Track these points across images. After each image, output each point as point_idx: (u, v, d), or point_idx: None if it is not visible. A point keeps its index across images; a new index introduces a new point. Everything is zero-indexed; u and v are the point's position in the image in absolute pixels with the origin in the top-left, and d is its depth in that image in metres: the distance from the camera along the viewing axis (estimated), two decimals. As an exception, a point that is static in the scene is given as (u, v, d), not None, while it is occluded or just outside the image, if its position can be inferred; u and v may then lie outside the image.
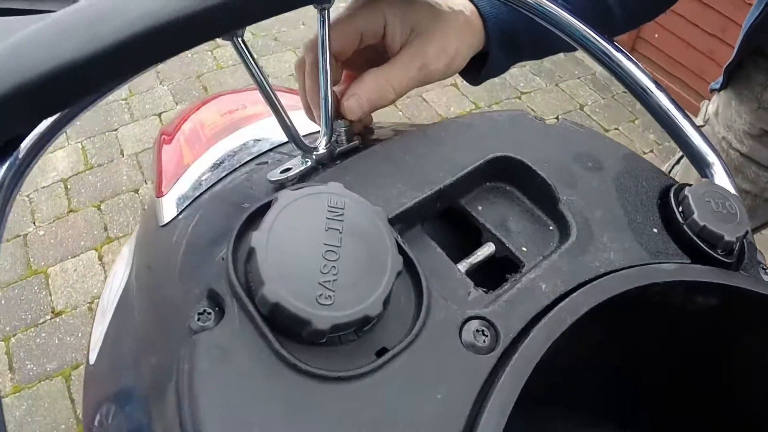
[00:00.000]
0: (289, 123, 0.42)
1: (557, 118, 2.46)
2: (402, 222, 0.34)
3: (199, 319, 0.28)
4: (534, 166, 0.37)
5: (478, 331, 0.30)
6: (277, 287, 0.26)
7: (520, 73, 2.97)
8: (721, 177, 0.46)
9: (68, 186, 2.20)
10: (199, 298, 0.30)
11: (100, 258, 1.97)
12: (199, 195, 0.53)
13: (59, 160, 2.30)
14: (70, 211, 2.12)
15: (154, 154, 0.69)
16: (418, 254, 0.34)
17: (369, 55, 0.48)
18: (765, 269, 0.40)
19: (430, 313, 0.30)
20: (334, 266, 0.27)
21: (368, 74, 0.45)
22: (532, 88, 2.88)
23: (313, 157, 0.43)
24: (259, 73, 0.39)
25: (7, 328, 1.77)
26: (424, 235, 0.35)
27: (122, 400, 0.46)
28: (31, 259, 1.96)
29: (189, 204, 0.52)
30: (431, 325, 0.30)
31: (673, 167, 1.04)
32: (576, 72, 3.02)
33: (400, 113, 2.58)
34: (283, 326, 0.28)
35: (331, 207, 0.28)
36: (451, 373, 0.28)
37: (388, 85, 0.44)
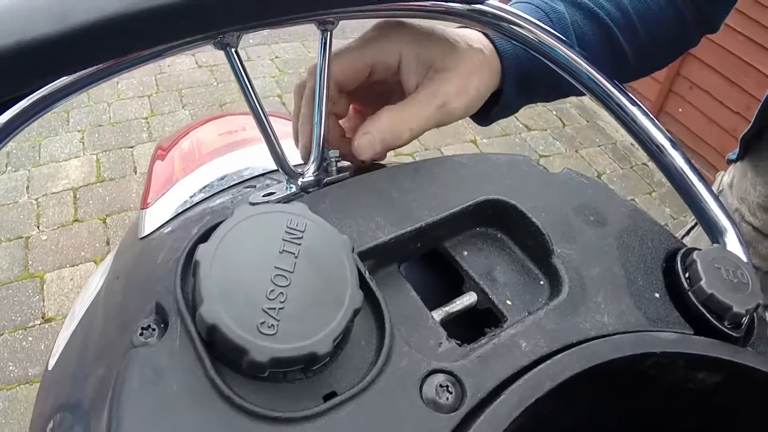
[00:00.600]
0: (276, 144, 0.39)
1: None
2: (375, 258, 0.31)
3: (142, 334, 0.26)
4: (529, 213, 0.34)
5: (442, 386, 0.26)
6: (216, 308, 0.23)
7: (540, 137, 2.97)
8: (734, 245, 0.43)
9: (77, 195, 2.21)
10: (149, 312, 0.27)
11: (98, 270, 1.95)
12: (182, 212, 0.50)
13: (72, 168, 2.32)
14: (76, 220, 2.11)
15: (149, 165, 0.67)
16: (389, 295, 0.31)
17: (379, 89, 0.46)
18: None
19: (390, 360, 0.26)
20: (282, 293, 0.23)
21: (384, 112, 0.42)
22: (551, 152, 2.88)
23: (299, 183, 0.41)
24: (249, 88, 0.38)
25: (-5, 327, 1.75)
26: (399, 276, 0.32)
27: (68, 412, 0.42)
28: (30, 263, 1.95)
29: (170, 219, 0.50)
30: (390, 373, 0.26)
31: (682, 238, 1.00)
32: (597, 140, 3.02)
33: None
34: (224, 353, 0.25)
35: (290, 228, 0.25)
36: (405, 429, 0.25)
37: (404, 124, 0.41)
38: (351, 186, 0.35)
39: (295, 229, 0.25)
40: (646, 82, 2.86)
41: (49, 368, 0.50)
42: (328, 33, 0.40)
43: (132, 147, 2.48)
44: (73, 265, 1.96)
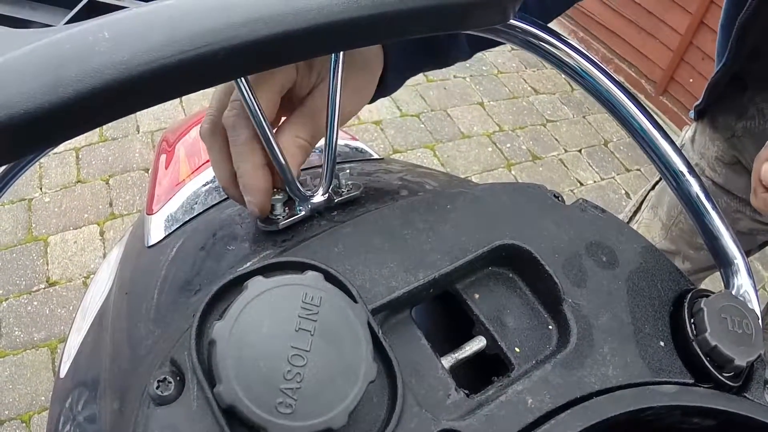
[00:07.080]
0: (285, 166, 0.39)
1: (580, 151, 2.38)
2: (388, 309, 0.31)
3: (158, 387, 0.26)
4: (542, 259, 0.35)
5: (451, 447, 0.27)
6: (235, 388, 0.24)
7: (548, 101, 2.93)
8: (743, 276, 0.44)
9: (80, 156, 2.19)
10: (163, 359, 0.28)
11: (102, 233, 1.96)
12: (189, 219, 0.50)
13: (75, 128, 2.29)
14: (78, 181, 2.11)
15: (153, 159, 0.66)
16: (402, 344, 0.31)
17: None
18: None
19: (400, 423, 0.27)
20: (299, 373, 0.24)
21: (281, 134, 0.40)
22: (558, 117, 2.84)
23: (308, 206, 0.41)
24: (257, 109, 0.37)
25: (0, 292, 1.76)
26: (411, 323, 0.33)
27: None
28: (33, 225, 1.95)
29: (177, 228, 0.50)
30: None
31: (648, 192, 1.10)
32: (604, 106, 2.97)
33: (422, 125, 2.55)
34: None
35: (305, 303, 0.25)
36: None
37: (301, 142, 0.40)
38: (362, 225, 0.35)
39: (310, 304, 0.25)
40: (658, 49, 2.80)
41: (61, 376, 0.51)
42: (340, 54, 0.39)
43: (134, 106, 2.44)
44: (77, 228, 1.96)
